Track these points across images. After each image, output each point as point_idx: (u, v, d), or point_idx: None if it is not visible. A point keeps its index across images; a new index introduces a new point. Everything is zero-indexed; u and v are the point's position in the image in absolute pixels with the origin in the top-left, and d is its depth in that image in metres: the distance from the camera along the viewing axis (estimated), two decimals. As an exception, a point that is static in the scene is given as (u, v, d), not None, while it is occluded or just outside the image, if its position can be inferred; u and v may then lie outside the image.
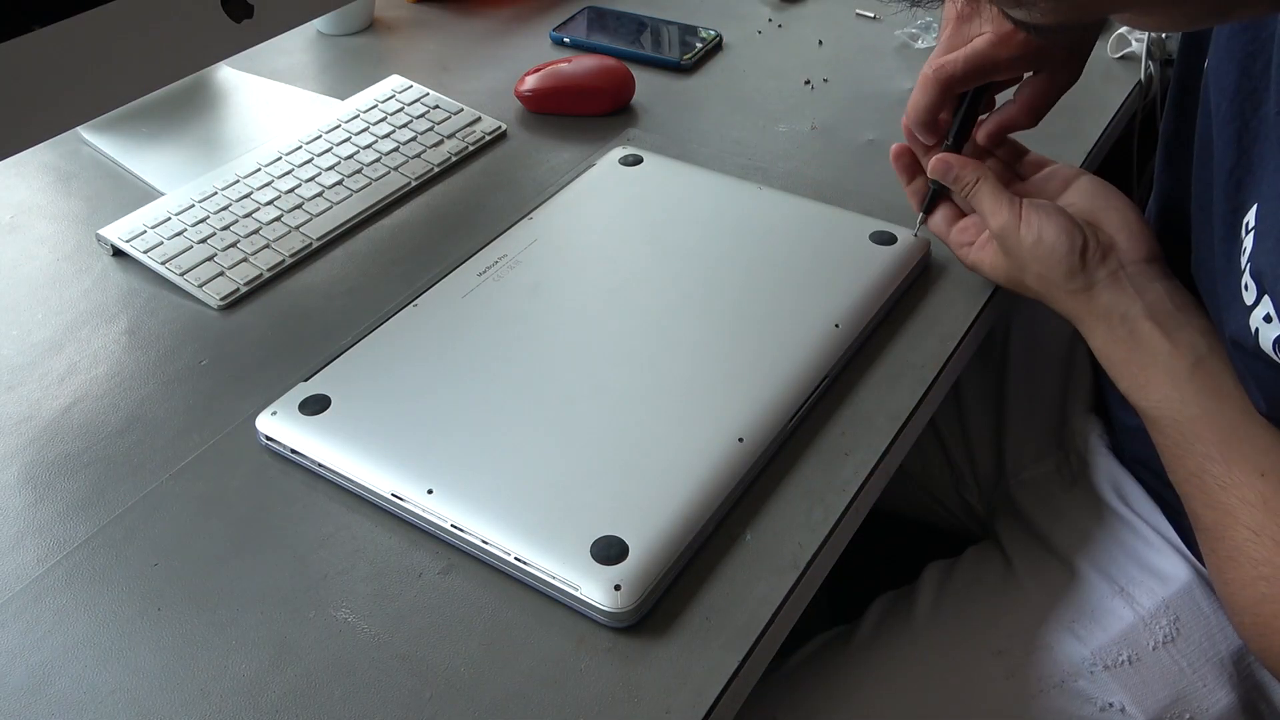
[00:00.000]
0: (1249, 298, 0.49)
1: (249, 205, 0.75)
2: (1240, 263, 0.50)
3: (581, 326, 0.62)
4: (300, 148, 0.80)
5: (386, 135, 0.82)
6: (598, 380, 0.58)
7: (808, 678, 0.69)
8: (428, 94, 0.87)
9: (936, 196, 0.66)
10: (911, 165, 0.68)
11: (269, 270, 0.70)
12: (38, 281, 0.72)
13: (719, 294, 0.64)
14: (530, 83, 0.86)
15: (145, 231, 0.72)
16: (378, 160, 0.80)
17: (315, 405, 0.57)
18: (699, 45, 0.95)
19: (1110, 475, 0.71)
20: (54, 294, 0.70)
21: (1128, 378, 0.58)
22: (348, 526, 0.54)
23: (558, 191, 0.74)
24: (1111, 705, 0.62)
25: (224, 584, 0.52)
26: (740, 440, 0.54)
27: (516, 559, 0.50)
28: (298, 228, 0.74)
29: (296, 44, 0.99)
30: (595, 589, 0.48)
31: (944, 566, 0.73)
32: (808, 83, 0.90)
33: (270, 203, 0.75)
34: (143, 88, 0.70)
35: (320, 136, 0.81)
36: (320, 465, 0.55)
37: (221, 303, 0.68)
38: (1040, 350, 0.81)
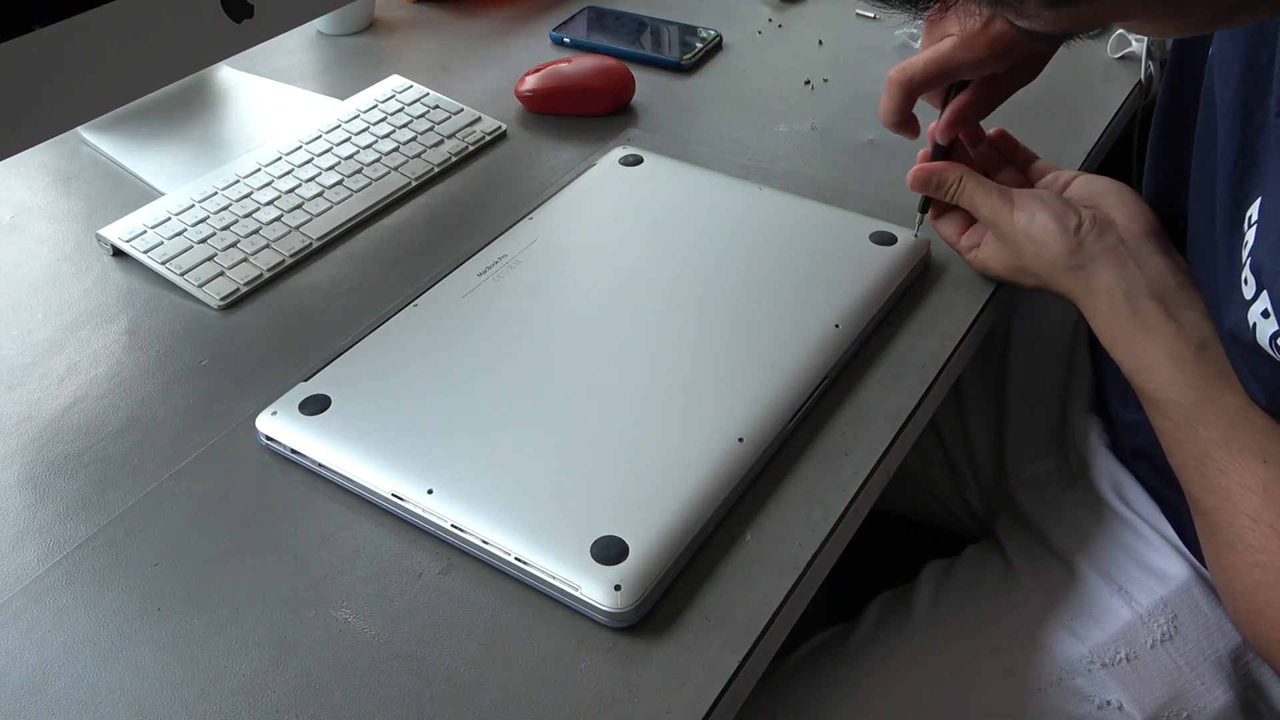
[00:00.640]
0: (1248, 292, 0.49)
1: (249, 205, 0.75)
2: (1241, 256, 0.50)
3: (581, 326, 0.62)
4: (300, 148, 0.80)
5: (386, 135, 0.82)
6: (598, 380, 0.58)
7: (807, 676, 0.69)
8: (428, 94, 0.87)
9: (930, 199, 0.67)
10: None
11: (269, 270, 0.70)
12: (38, 281, 0.72)
13: (719, 294, 0.64)
14: (530, 83, 0.86)
15: (145, 231, 0.72)
16: (378, 160, 0.80)
17: (315, 405, 0.57)
18: (699, 45, 0.95)
19: (1110, 474, 0.71)
20: (54, 294, 0.70)
21: (1130, 358, 0.57)
22: (348, 526, 0.54)
23: (558, 191, 0.74)
24: (1109, 703, 0.62)
25: (224, 584, 0.52)
26: (740, 440, 0.54)
27: (516, 559, 0.50)
28: (298, 228, 0.74)
29: (296, 44, 0.99)
30: (595, 589, 0.48)
31: (943, 566, 0.73)
32: (808, 83, 0.90)
33: (270, 203, 0.75)
34: (143, 88, 0.70)
35: (320, 136, 0.81)
36: (320, 465, 0.55)
37: (221, 303, 0.68)
38: (1040, 350, 0.81)
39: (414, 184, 0.79)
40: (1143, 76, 0.90)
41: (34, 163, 0.83)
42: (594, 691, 0.46)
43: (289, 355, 0.65)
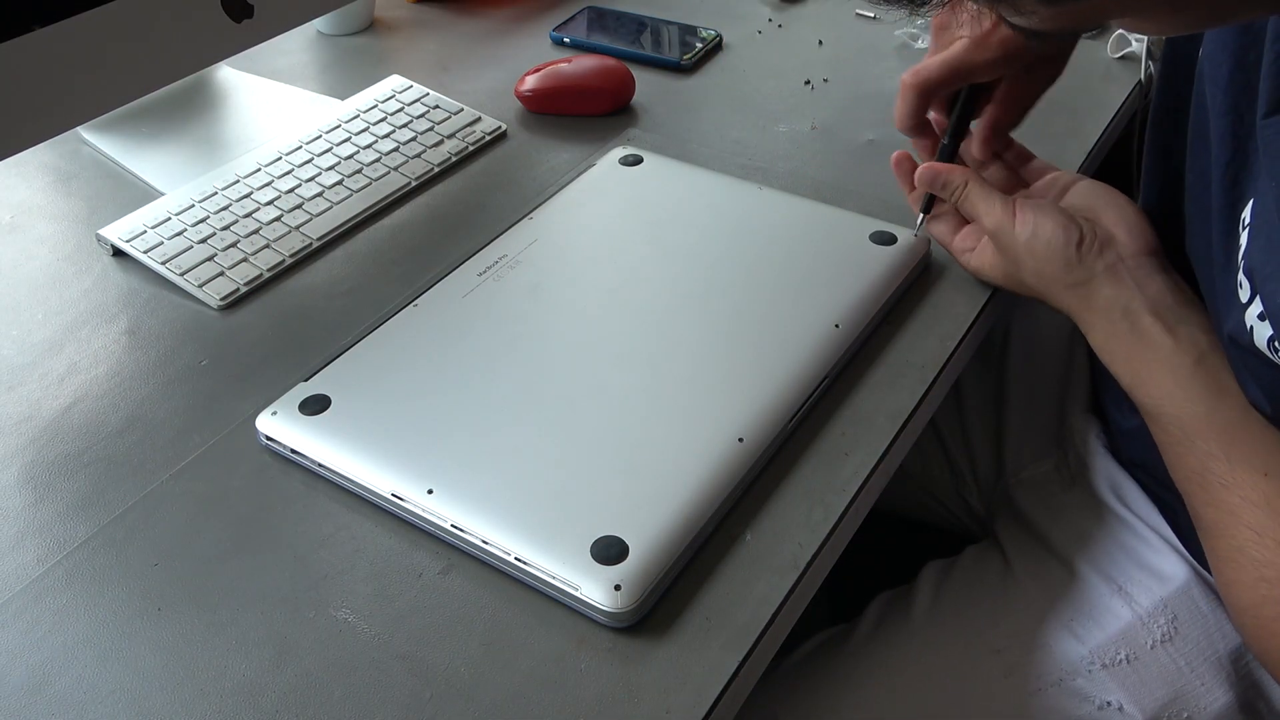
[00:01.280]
0: (1244, 295, 0.49)
1: (249, 205, 0.75)
2: (1237, 258, 0.50)
3: (581, 326, 0.62)
4: (300, 148, 0.80)
5: (386, 135, 0.82)
6: (598, 380, 0.58)
7: (807, 676, 0.69)
8: (428, 94, 0.87)
9: (935, 197, 0.67)
10: (912, 171, 0.68)
11: (269, 270, 0.70)
12: (38, 281, 0.72)
13: (719, 294, 0.64)
14: (530, 83, 0.86)
15: (145, 231, 0.72)
16: (378, 160, 0.80)
17: (315, 405, 0.57)
18: (699, 45, 0.95)
19: (1108, 475, 0.71)
20: (54, 294, 0.70)
21: (1129, 374, 0.57)
22: (348, 526, 0.54)
23: (558, 191, 0.74)
24: (1109, 704, 0.62)
25: (224, 584, 0.52)
26: (740, 440, 0.54)
27: (516, 559, 0.50)
28: (298, 228, 0.74)
29: (296, 44, 0.99)
30: (595, 589, 0.48)
31: (943, 566, 0.73)
32: (808, 83, 0.90)
33: (270, 203, 0.75)
34: (143, 88, 0.70)
35: (320, 136, 0.81)
36: (320, 465, 0.55)
37: (221, 303, 0.68)
38: (1040, 351, 0.81)
39: (414, 184, 0.79)
40: (1143, 76, 0.90)
41: (34, 163, 0.83)
42: (594, 691, 0.46)
43: (289, 355, 0.65)
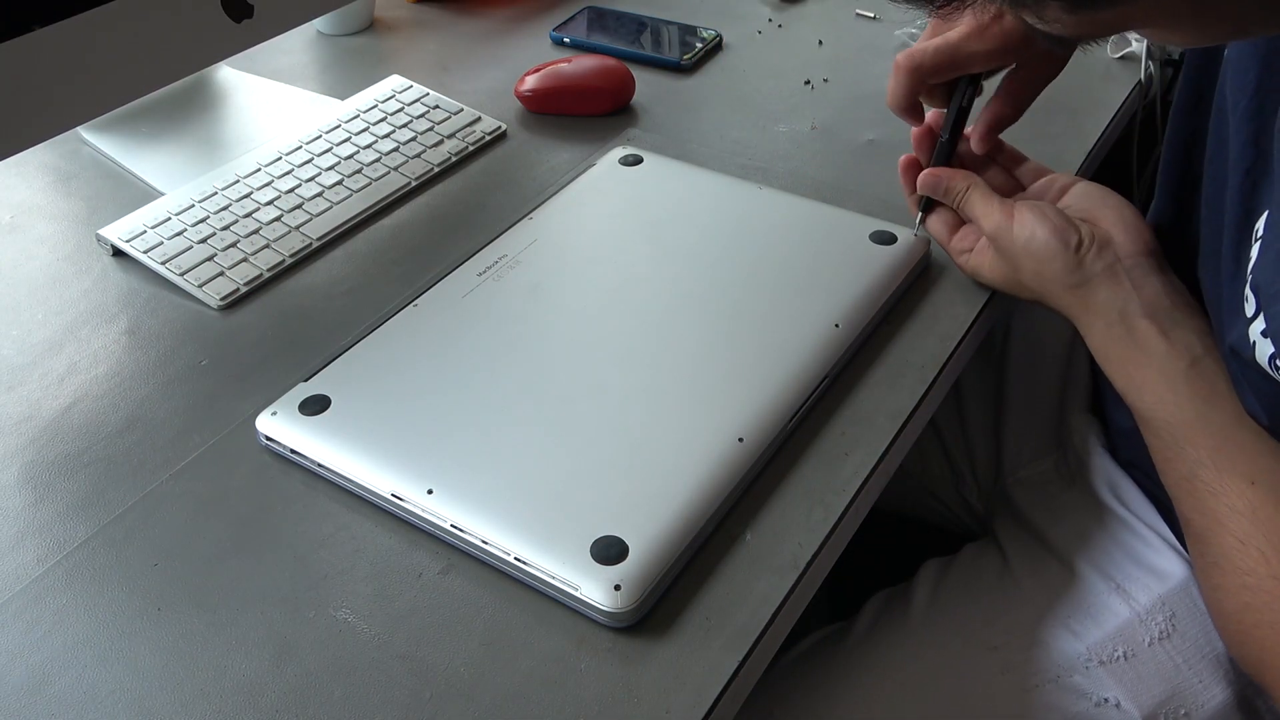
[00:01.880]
0: (1249, 308, 0.49)
1: (249, 205, 0.75)
2: (1246, 270, 0.50)
3: (581, 326, 0.62)
4: (300, 148, 0.80)
5: (386, 135, 0.82)
6: (598, 380, 0.58)
7: (804, 673, 0.69)
8: (428, 94, 0.87)
9: (933, 200, 0.67)
10: (917, 176, 0.68)
11: (269, 270, 0.70)
12: (38, 281, 0.72)
13: (719, 294, 0.64)
14: (530, 83, 0.86)
15: (145, 231, 0.72)
16: (378, 160, 0.80)
17: (315, 405, 0.57)
18: (699, 45, 0.95)
19: (1106, 475, 0.71)
20: (54, 294, 0.70)
21: (1123, 377, 0.58)
22: (348, 526, 0.54)
23: (558, 191, 0.74)
24: (1107, 700, 0.62)
25: (224, 584, 0.52)
26: (740, 440, 0.54)
27: (516, 559, 0.50)
28: (298, 228, 0.74)
29: (296, 44, 0.99)
30: (595, 589, 0.48)
31: (941, 564, 0.73)
32: (808, 83, 0.90)
33: (270, 203, 0.75)
34: (143, 88, 0.70)
35: (320, 136, 0.81)
36: (320, 465, 0.55)
37: (221, 303, 0.68)
38: (1039, 350, 0.81)
39: (414, 184, 0.79)
40: (1143, 76, 0.90)
41: (34, 163, 0.83)
42: (594, 691, 0.46)
43: (289, 355, 0.65)
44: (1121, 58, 0.92)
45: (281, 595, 0.51)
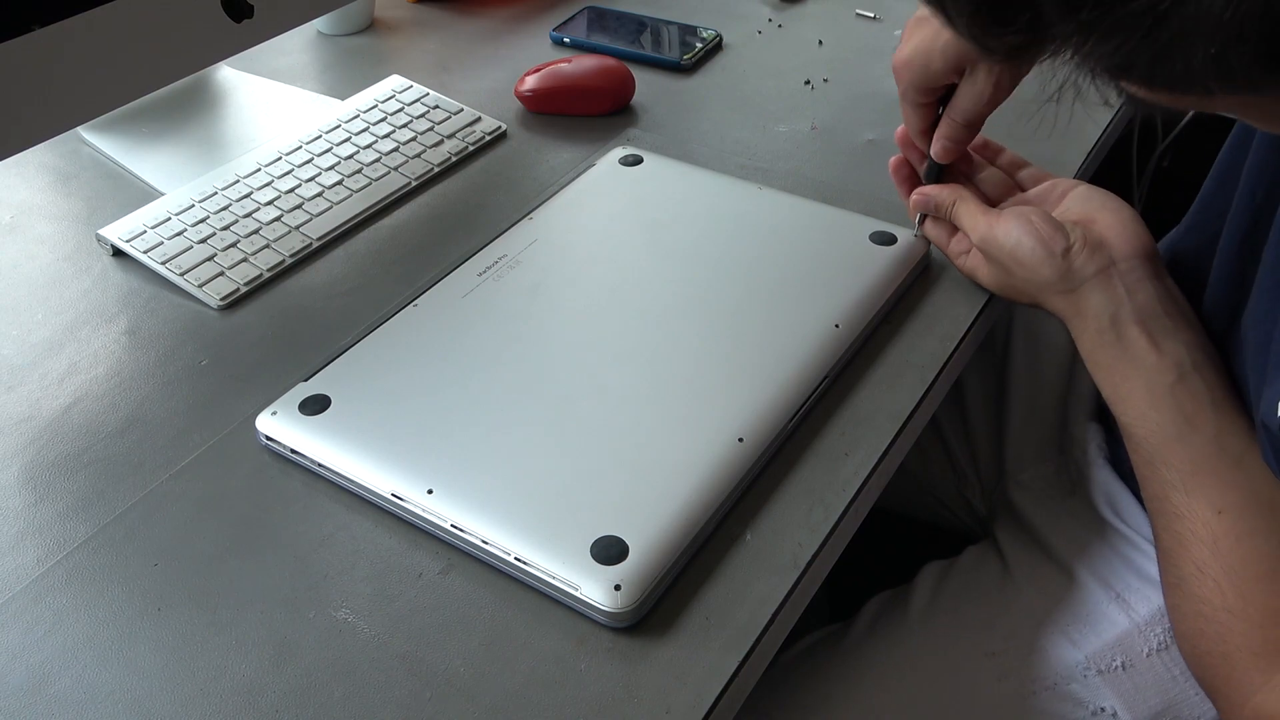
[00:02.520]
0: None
1: (249, 205, 0.75)
2: None
3: (581, 326, 0.62)
4: (300, 148, 0.80)
5: (386, 135, 0.82)
6: (598, 380, 0.58)
7: (801, 674, 0.69)
8: (428, 94, 0.87)
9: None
10: (910, 177, 0.69)
11: (269, 270, 0.70)
12: (38, 281, 0.72)
13: (719, 294, 0.64)
14: (530, 83, 0.86)
15: (145, 231, 0.72)
16: (378, 160, 0.80)
17: (315, 405, 0.57)
18: (699, 45, 0.95)
19: (1105, 489, 0.71)
20: (54, 294, 0.70)
21: (1110, 386, 0.58)
22: (348, 526, 0.54)
23: (558, 191, 0.74)
24: (1103, 710, 0.62)
25: (224, 584, 0.52)
26: (740, 440, 0.54)
27: (516, 559, 0.50)
28: (298, 228, 0.74)
29: (296, 44, 0.99)
30: (595, 589, 0.48)
31: (941, 567, 0.73)
32: (808, 83, 0.90)
33: (270, 203, 0.75)
34: (143, 88, 0.70)
35: (320, 136, 0.81)
36: (320, 465, 0.55)
37: (221, 303, 0.68)
38: (1042, 350, 0.81)
39: (414, 184, 0.79)
40: (1143, 76, 0.90)
41: (34, 163, 0.83)
42: (594, 691, 0.46)
43: (289, 355, 0.65)
44: (1121, 58, 0.92)
45: (281, 595, 0.51)
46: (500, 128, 0.84)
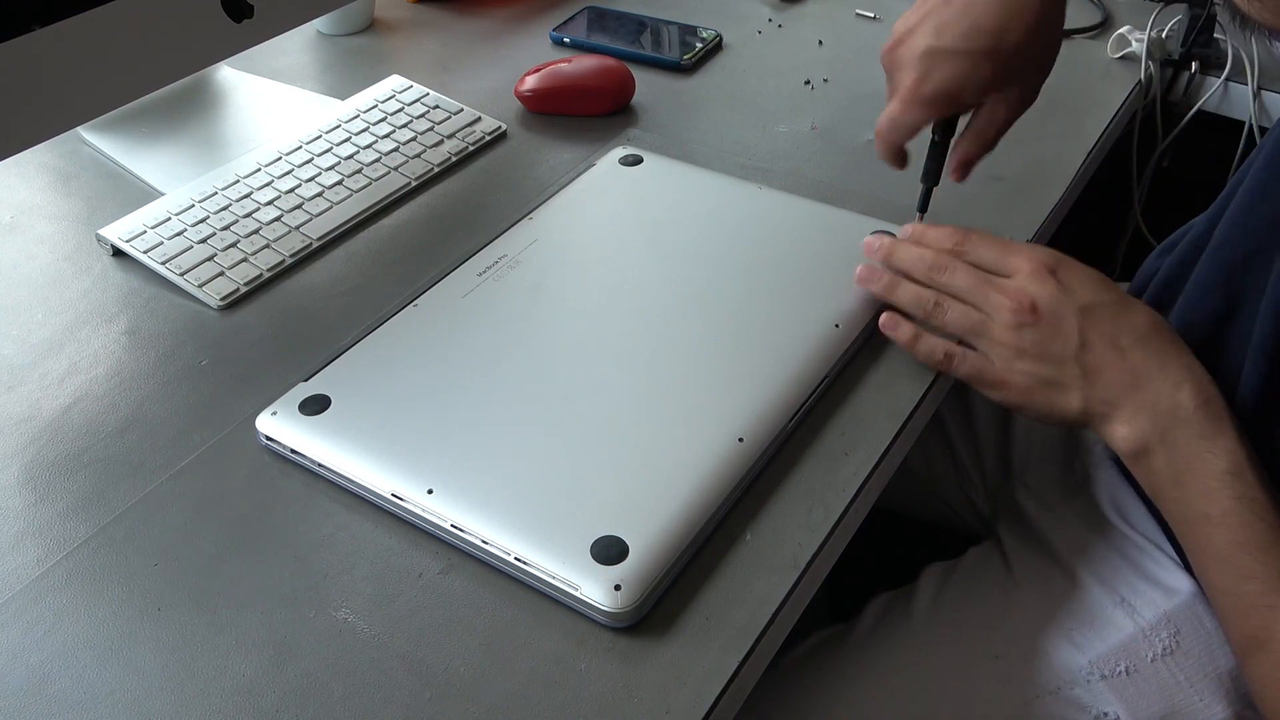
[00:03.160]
0: None
1: (249, 205, 0.75)
2: None
3: (581, 326, 0.62)
4: (300, 148, 0.80)
5: (386, 135, 0.82)
6: (598, 380, 0.58)
7: (803, 676, 0.69)
8: (428, 94, 0.87)
9: (931, 192, 0.67)
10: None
11: (269, 270, 0.70)
12: (38, 281, 0.72)
13: (719, 294, 0.64)
14: (530, 83, 0.86)
15: (145, 231, 0.72)
16: (378, 160, 0.80)
17: (315, 405, 0.57)
18: (699, 45, 0.95)
19: (1110, 491, 0.70)
20: (54, 294, 0.70)
21: (1187, 525, 0.55)
22: (348, 526, 0.54)
23: (558, 191, 0.74)
24: (1106, 715, 0.62)
25: (224, 584, 0.52)
26: (740, 440, 0.54)
27: (516, 559, 0.50)
28: (298, 228, 0.74)
29: (296, 44, 0.99)
30: (595, 589, 0.48)
31: (944, 568, 0.73)
32: (808, 83, 0.90)
33: (270, 203, 0.75)
34: (143, 88, 0.70)
35: (320, 136, 0.81)
36: (320, 465, 0.55)
37: (221, 303, 0.68)
38: None
39: (414, 184, 0.79)
40: (1142, 76, 0.90)
41: (34, 163, 0.83)
42: (594, 691, 0.46)
43: (289, 355, 0.65)
44: (1121, 58, 0.92)
45: (281, 595, 0.51)
46: (500, 128, 0.84)
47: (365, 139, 0.82)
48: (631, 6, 1.02)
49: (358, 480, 0.54)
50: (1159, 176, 1.06)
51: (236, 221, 0.73)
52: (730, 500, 0.53)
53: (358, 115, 0.84)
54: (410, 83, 0.88)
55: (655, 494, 0.51)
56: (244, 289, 0.69)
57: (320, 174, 0.78)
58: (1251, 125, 0.94)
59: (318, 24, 1.00)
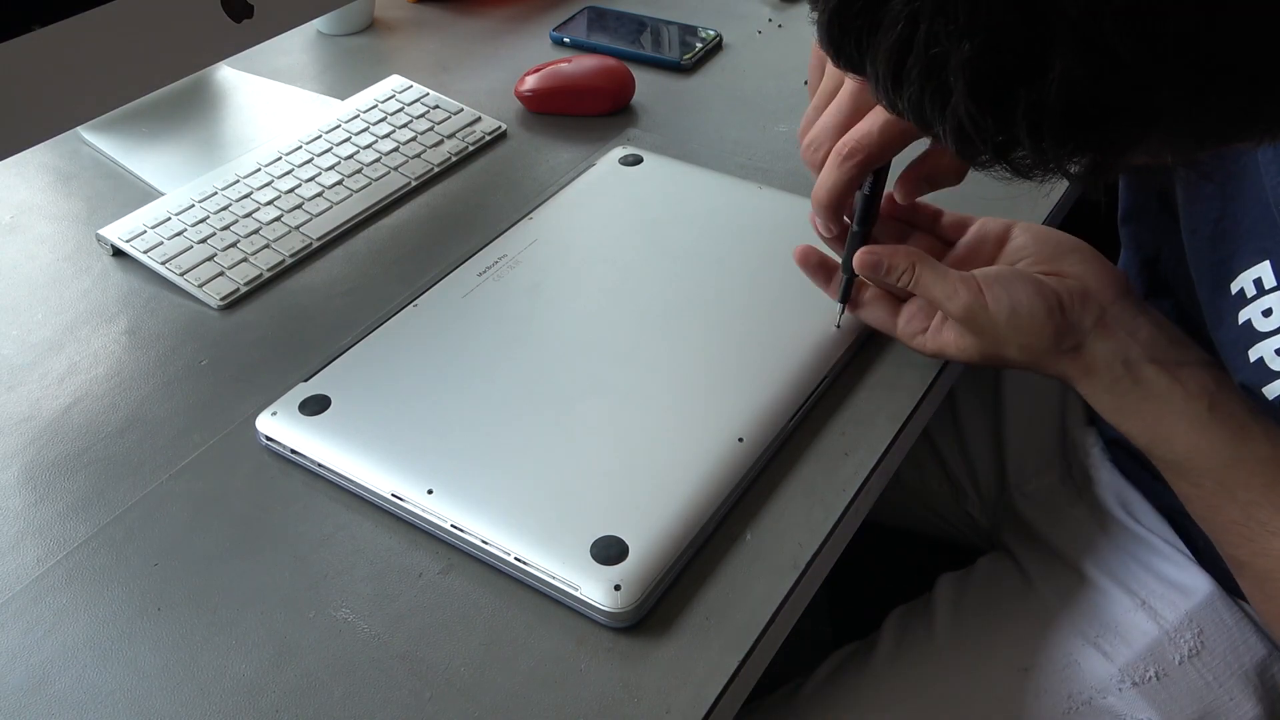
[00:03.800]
0: None
1: (249, 205, 0.75)
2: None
3: (581, 326, 0.62)
4: (300, 148, 0.80)
5: (386, 135, 0.82)
6: (598, 380, 0.58)
7: (832, 699, 0.67)
8: (428, 94, 0.87)
9: (853, 281, 0.60)
10: (823, 265, 0.61)
11: (269, 270, 0.70)
12: (38, 281, 0.72)
13: (719, 294, 0.64)
14: (530, 83, 0.86)
15: (145, 231, 0.72)
16: (378, 160, 0.80)
17: (315, 405, 0.57)
18: (699, 45, 0.95)
19: (1115, 489, 0.70)
20: (54, 294, 0.70)
21: (1146, 431, 0.54)
22: (348, 526, 0.54)
23: (558, 191, 0.74)
24: None
25: (224, 584, 0.52)
26: (740, 440, 0.54)
27: (516, 559, 0.50)
28: (298, 228, 0.74)
29: (296, 44, 0.99)
30: (595, 589, 0.48)
31: (958, 579, 0.72)
32: (807, 83, 0.90)
33: (270, 203, 0.75)
34: (143, 88, 0.70)
35: (320, 136, 0.81)
36: (320, 465, 0.55)
37: (221, 303, 0.68)
38: None
39: (414, 184, 0.79)
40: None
41: (34, 163, 0.83)
42: (594, 691, 0.46)
43: (289, 355, 0.65)
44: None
45: (281, 595, 0.51)
46: (500, 128, 0.84)
47: (365, 139, 0.82)
48: (631, 6, 1.02)
49: (358, 480, 0.54)
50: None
51: (236, 221, 0.73)
52: (730, 500, 0.53)
53: (358, 115, 0.84)
54: (410, 83, 0.88)
55: (655, 494, 0.51)
56: (244, 289, 0.69)
57: (320, 174, 0.78)
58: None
59: (318, 24, 1.00)
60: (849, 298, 0.60)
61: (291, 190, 0.76)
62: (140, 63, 0.68)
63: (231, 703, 0.47)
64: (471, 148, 0.82)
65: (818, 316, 0.61)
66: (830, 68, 0.58)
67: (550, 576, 0.49)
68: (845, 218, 0.58)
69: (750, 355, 0.59)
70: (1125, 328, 0.53)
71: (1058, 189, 0.74)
